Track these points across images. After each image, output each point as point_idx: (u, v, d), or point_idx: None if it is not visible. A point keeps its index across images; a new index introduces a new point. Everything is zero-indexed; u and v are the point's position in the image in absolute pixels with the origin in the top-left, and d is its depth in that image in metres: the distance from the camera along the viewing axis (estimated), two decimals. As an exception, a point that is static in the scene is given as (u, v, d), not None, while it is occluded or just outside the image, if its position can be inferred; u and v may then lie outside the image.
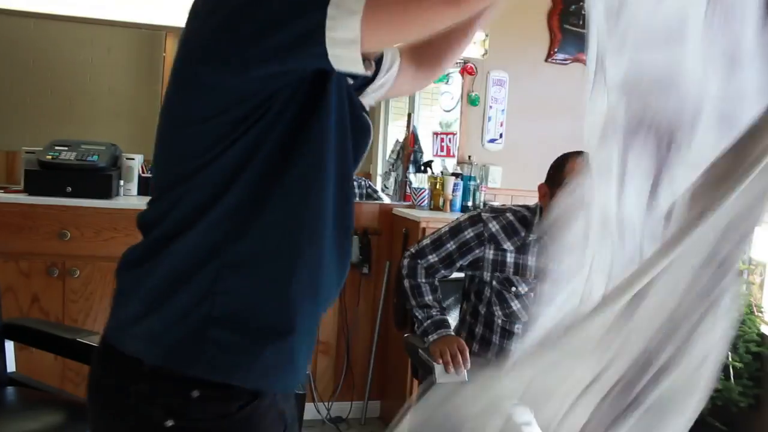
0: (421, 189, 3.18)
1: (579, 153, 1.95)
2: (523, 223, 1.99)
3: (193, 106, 0.85)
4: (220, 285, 0.85)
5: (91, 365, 0.96)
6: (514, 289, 1.98)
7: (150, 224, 0.91)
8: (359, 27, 0.77)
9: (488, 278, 2.01)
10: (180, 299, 0.86)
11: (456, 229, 2.02)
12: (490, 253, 1.98)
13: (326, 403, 3.14)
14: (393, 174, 3.55)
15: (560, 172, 1.92)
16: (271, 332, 0.88)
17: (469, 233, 1.99)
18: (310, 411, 3.04)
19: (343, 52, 0.79)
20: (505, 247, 1.97)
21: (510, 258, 1.98)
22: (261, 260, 0.87)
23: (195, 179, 0.85)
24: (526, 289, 1.98)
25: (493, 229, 1.98)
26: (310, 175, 0.88)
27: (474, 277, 2.07)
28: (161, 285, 0.87)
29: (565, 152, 1.95)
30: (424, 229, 2.80)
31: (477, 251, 1.99)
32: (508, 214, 2.01)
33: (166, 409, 0.85)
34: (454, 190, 3.16)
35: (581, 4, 3.56)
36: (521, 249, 1.98)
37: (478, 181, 3.26)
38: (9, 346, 1.89)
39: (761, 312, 3.39)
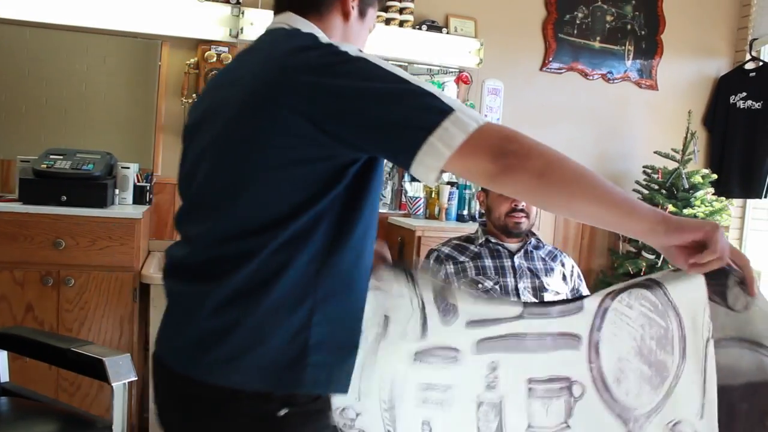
0: (416, 198, 3.19)
1: None
2: (469, 241, 2.25)
3: (279, 153, 0.95)
4: (316, 317, 0.98)
5: (181, 408, 1.04)
6: (480, 286, 2.10)
7: (231, 262, 0.98)
8: (445, 160, 0.88)
9: None
10: (283, 332, 0.97)
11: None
12: (450, 268, 2.17)
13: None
14: (389, 183, 3.55)
15: None
16: (349, 347, 1.05)
17: (428, 264, 2.23)
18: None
19: (420, 170, 0.90)
20: (461, 260, 2.18)
21: (469, 264, 2.16)
22: (343, 293, 1.02)
23: (286, 225, 0.96)
24: (491, 284, 2.11)
25: (446, 251, 2.22)
26: (371, 218, 1.04)
27: None
28: (265, 321, 0.97)
29: None
30: (419, 237, 2.81)
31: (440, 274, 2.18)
32: (452, 240, 2.27)
33: (272, 416, 0.98)
34: (449, 199, 3.17)
35: (576, 13, 3.58)
36: (476, 257, 2.18)
37: (474, 190, 3.27)
38: (2, 355, 1.88)
39: None
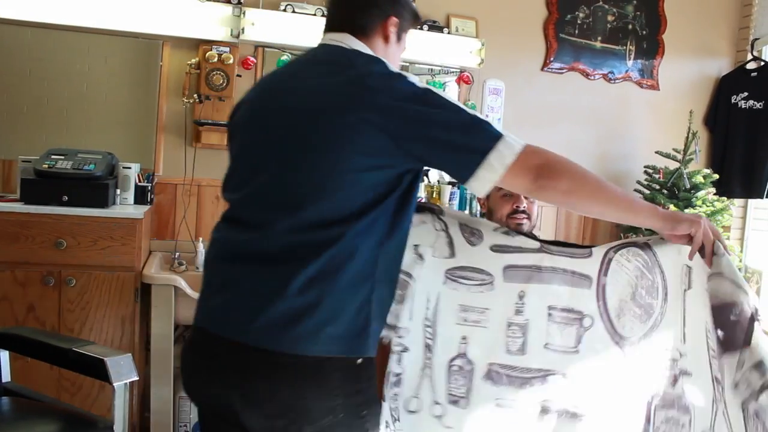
0: (417, 198, 3.19)
1: None
2: None
3: (355, 159, 1.18)
4: (374, 294, 1.23)
5: (275, 379, 1.20)
6: None
7: (315, 247, 1.18)
8: (500, 176, 1.17)
9: None
10: (351, 307, 1.20)
11: None
12: None
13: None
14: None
15: None
16: (386, 318, 1.32)
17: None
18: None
19: (476, 183, 1.20)
20: None
21: None
22: (390, 274, 1.28)
23: (359, 218, 1.18)
24: None
25: None
26: (411, 216, 1.29)
27: None
28: (341, 297, 1.19)
29: None
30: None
31: None
32: None
33: (354, 374, 1.23)
34: (450, 199, 3.17)
35: (577, 13, 3.58)
36: None
37: (475, 190, 3.27)
38: (4, 355, 1.88)
39: (758, 320, 3.39)
